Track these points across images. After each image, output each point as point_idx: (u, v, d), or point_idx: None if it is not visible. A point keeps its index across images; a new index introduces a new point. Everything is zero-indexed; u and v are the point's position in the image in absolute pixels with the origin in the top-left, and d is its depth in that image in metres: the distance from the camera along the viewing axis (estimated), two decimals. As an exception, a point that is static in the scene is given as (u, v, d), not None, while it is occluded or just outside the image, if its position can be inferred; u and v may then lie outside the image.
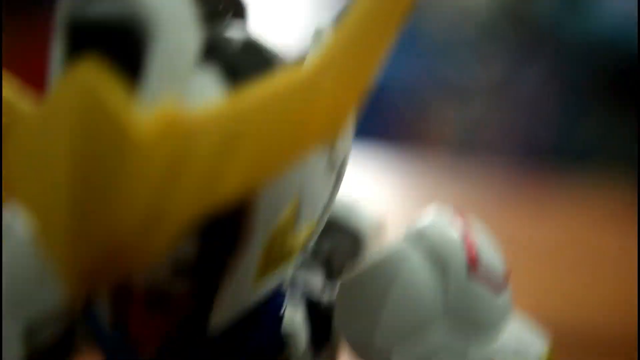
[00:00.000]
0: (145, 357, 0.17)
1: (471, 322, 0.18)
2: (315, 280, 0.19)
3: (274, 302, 0.18)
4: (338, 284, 0.19)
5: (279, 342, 0.18)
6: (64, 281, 0.15)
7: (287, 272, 0.18)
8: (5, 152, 0.15)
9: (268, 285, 0.18)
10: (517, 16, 0.91)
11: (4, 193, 0.16)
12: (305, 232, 0.18)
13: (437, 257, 0.18)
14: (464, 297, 0.18)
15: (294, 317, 0.18)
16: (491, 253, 0.19)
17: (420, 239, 0.18)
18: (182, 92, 0.15)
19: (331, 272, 0.20)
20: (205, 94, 0.15)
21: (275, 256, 0.17)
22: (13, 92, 0.16)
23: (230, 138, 0.14)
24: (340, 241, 0.20)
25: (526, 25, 0.93)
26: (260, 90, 0.14)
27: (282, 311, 0.18)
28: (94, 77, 0.14)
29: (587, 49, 0.93)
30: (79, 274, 0.14)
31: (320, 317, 0.19)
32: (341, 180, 0.18)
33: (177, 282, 0.16)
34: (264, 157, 0.14)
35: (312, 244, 0.18)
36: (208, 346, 0.18)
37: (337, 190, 0.18)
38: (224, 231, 0.16)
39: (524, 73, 0.92)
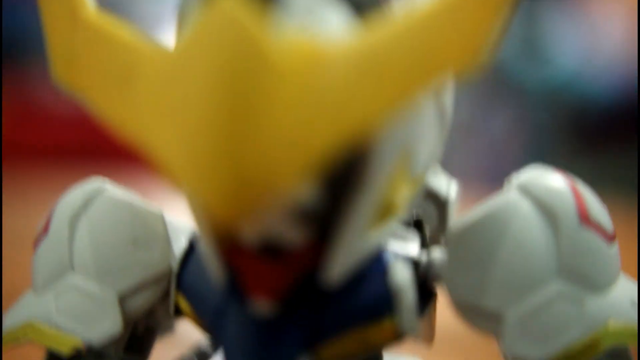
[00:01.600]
0: (257, 312, 0.17)
1: (585, 273, 0.18)
2: (411, 245, 0.19)
3: (380, 260, 0.18)
4: (439, 244, 0.19)
5: (387, 299, 0.18)
6: (209, 213, 0.15)
7: (393, 228, 0.18)
8: (133, 95, 0.15)
9: (379, 239, 0.17)
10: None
11: (126, 136, 0.15)
12: (414, 185, 0.18)
13: (547, 207, 0.18)
14: (577, 247, 0.18)
15: (402, 274, 0.18)
16: (598, 203, 0.19)
17: (527, 190, 0.18)
18: (317, 23, 0.15)
19: (423, 237, 0.20)
20: (337, 26, 0.15)
21: (387, 207, 0.17)
22: (132, 34, 0.16)
23: (365, 69, 0.14)
24: (425, 206, 0.20)
25: (489, 71, 0.96)
26: (392, 23, 0.15)
27: (388, 269, 0.18)
28: (236, 8, 0.14)
29: (548, 93, 0.96)
30: (225, 201, 0.14)
31: (420, 277, 0.19)
32: (445, 137, 0.19)
33: (295, 231, 0.16)
34: (393, 88, 0.14)
35: (416, 200, 0.18)
36: (320, 301, 0.18)
37: (441, 146, 0.18)
38: (346, 177, 0.16)
39: (488, 117, 0.94)
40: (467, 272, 0.18)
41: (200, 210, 0.16)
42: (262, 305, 0.17)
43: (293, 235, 0.16)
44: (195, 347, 0.21)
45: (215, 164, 0.14)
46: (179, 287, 0.19)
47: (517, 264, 0.18)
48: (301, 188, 0.15)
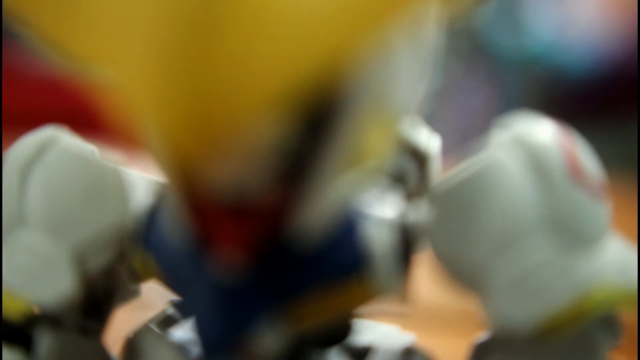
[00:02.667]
0: (226, 271, 0.16)
1: (573, 232, 0.17)
2: (392, 201, 0.18)
3: (353, 217, 0.17)
4: (422, 200, 0.18)
5: (360, 257, 0.17)
6: (171, 146, 0.13)
7: (369, 182, 0.17)
8: (79, 14, 0.14)
9: (352, 188, 0.16)
10: (455, 29, 0.92)
11: (72, 53, 0.14)
12: (389, 131, 0.17)
13: (536, 162, 0.17)
14: (566, 204, 0.17)
15: (378, 234, 0.17)
16: (589, 158, 0.18)
17: (515, 144, 0.17)
18: None
19: (405, 193, 0.18)
20: None
21: (361, 152, 0.16)
22: None
23: None
24: (405, 161, 0.19)
25: (464, 38, 0.95)
26: None
27: (364, 228, 0.17)
28: None
29: (522, 62, 0.95)
30: (186, 131, 0.13)
31: (402, 235, 0.17)
32: (425, 82, 0.17)
33: (263, 176, 0.15)
34: (368, 13, 0.13)
35: (392, 152, 0.17)
36: (290, 261, 0.16)
37: (421, 91, 0.17)
38: (316, 117, 0.15)
39: (462, 84, 0.94)
40: (452, 227, 0.17)
41: (163, 150, 0.15)
42: (231, 262, 0.16)
43: (263, 175, 0.15)
44: (161, 312, 0.20)
45: (174, 91, 0.13)
46: (145, 245, 0.18)
47: (503, 216, 0.17)
48: (267, 123, 0.13)
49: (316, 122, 0.15)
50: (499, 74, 0.95)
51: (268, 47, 0.13)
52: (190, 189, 0.15)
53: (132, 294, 0.20)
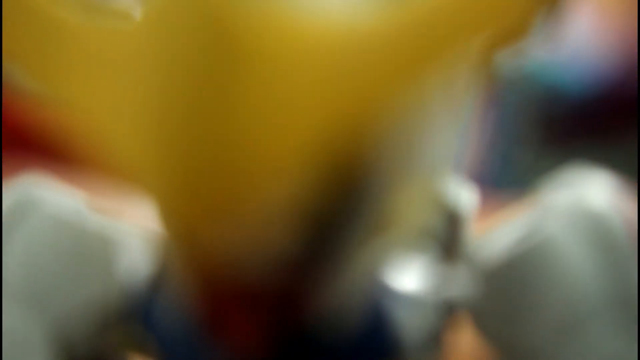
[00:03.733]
0: None
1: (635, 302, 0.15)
2: (424, 270, 0.16)
3: (384, 299, 0.15)
4: (454, 267, 0.16)
5: (393, 348, 0.15)
6: (171, 213, 0.11)
7: (401, 250, 0.15)
8: (61, 66, 0.12)
9: (384, 262, 0.14)
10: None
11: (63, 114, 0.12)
12: (423, 194, 0.14)
13: (597, 234, 0.15)
14: (633, 281, 0.15)
15: (411, 317, 0.15)
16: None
17: (572, 213, 0.15)
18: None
19: (435, 257, 0.16)
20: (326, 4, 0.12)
21: (390, 222, 0.14)
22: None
23: (347, 55, 0.11)
24: (435, 222, 0.17)
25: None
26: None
27: (394, 311, 0.15)
28: None
29: (515, 81, 0.94)
30: (186, 200, 0.11)
31: (436, 312, 0.15)
32: (459, 140, 0.15)
33: (285, 258, 0.13)
34: (385, 67, 0.11)
35: (426, 218, 0.15)
36: (316, 351, 0.14)
37: (455, 151, 0.15)
38: (340, 181, 0.12)
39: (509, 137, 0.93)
40: (506, 309, 0.15)
41: (166, 222, 0.13)
42: (245, 355, 0.13)
43: (281, 255, 0.13)
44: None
45: (176, 159, 0.11)
46: (142, 320, 0.16)
47: (564, 298, 0.15)
48: (285, 191, 0.11)
49: (342, 188, 0.13)
50: (492, 93, 0.94)
51: (283, 107, 0.11)
52: (197, 262, 0.13)
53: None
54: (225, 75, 0.11)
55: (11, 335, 0.15)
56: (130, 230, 0.17)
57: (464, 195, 0.17)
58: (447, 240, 0.17)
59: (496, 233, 0.16)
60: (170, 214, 0.12)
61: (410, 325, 0.15)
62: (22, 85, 0.13)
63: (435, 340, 0.15)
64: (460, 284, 0.16)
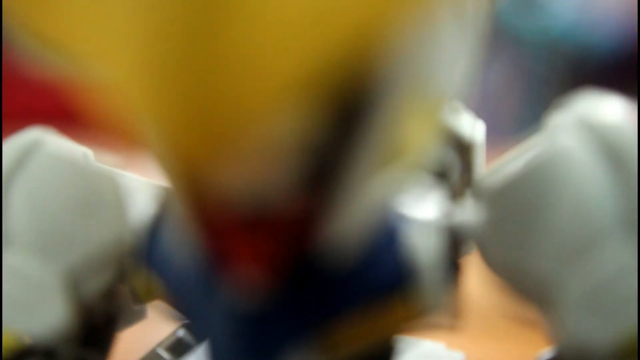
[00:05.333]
0: (246, 295, 0.13)
1: None
2: (434, 200, 0.15)
3: (393, 224, 0.14)
4: (467, 196, 0.15)
5: (404, 271, 0.14)
6: (170, 143, 0.11)
7: (409, 180, 0.14)
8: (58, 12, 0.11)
9: (390, 190, 0.13)
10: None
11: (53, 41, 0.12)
12: (432, 121, 0.14)
13: (608, 148, 0.14)
14: None
15: (422, 239, 0.14)
16: None
17: (581, 127, 0.14)
18: None
19: (448, 189, 0.16)
20: None
21: (398, 148, 0.13)
22: None
23: None
24: (446, 152, 0.16)
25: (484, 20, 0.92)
26: None
27: (406, 236, 0.14)
28: None
29: (545, 44, 0.92)
30: (185, 129, 0.10)
31: (449, 240, 0.15)
32: (472, 62, 0.14)
33: (290, 171, 0.12)
34: None
35: (435, 143, 0.14)
36: (321, 280, 0.14)
37: (466, 73, 0.14)
38: (344, 108, 0.12)
39: (484, 69, 0.91)
40: (510, 232, 0.14)
41: (165, 154, 0.12)
42: (251, 284, 0.13)
43: (283, 184, 0.12)
44: (171, 335, 0.17)
45: (173, 86, 0.10)
46: (148, 262, 0.15)
47: (573, 216, 0.14)
48: (286, 117, 0.11)
49: (346, 113, 0.12)
50: (521, 57, 0.92)
51: (282, 27, 0.10)
52: (199, 197, 0.12)
53: (136, 316, 0.17)
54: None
55: (28, 280, 0.15)
56: (135, 176, 0.16)
57: (476, 126, 0.17)
58: (458, 169, 0.16)
59: (506, 160, 0.15)
60: (169, 148, 0.12)
61: (424, 253, 0.14)
62: (23, 44, 0.13)
63: (448, 266, 0.15)
64: (470, 213, 0.15)
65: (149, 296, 0.16)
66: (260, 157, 0.12)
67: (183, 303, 0.15)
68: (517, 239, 0.14)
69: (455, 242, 0.15)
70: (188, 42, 0.10)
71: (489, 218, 0.15)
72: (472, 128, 0.17)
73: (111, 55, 0.11)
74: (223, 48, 0.10)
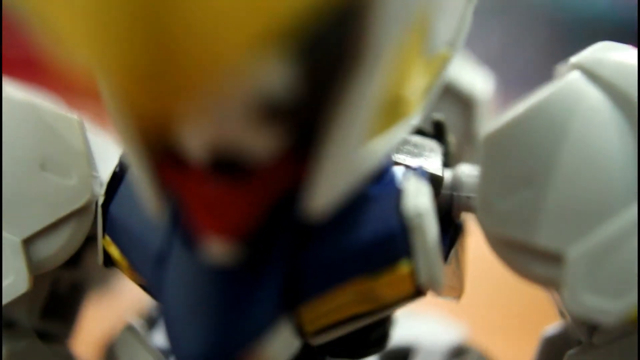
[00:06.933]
0: (214, 259, 0.12)
1: None
2: (430, 159, 0.14)
3: (387, 180, 0.13)
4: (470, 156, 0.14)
5: (399, 235, 0.12)
6: (126, 103, 0.09)
7: (404, 135, 0.13)
8: None
9: (383, 149, 0.12)
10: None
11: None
12: (431, 71, 0.12)
13: (622, 94, 0.13)
14: None
15: (420, 198, 0.12)
16: None
17: (592, 73, 0.13)
18: None
19: (446, 148, 0.14)
20: None
21: (394, 102, 0.12)
22: None
23: None
24: (448, 108, 0.15)
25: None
26: None
27: (400, 192, 0.12)
28: None
29: (580, 24, 0.91)
30: (145, 82, 0.09)
31: (443, 203, 0.13)
32: (472, 5, 0.13)
33: (260, 137, 0.11)
34: None
35: (434, 94, 0.13)
36: (303, 241, 0.12)
37: (468, 18, 0.13)
38: (332, 55, 0.10)
39: (519, 48, 0.90)
40: (509, 193, 0.13)
41: (118, 105, 0.11)
42: (219, 248, 0.11)
43: (257, 142, 0.11)
44: (143, 310, 0.16)
45: (126, 27, 0.09)
46: (106, 226, 0.14)
47: (581, 179, 0.12)
48: (261, 67, 0.09)
49: (328, 61, 0.10)
50: (524, 20, 0.91)
51: None
52: (157, 152, 0.11)
53: (102, 284, 0.16)
54: None
55: None
56: (101, 133, 0.15)
57: (482, 82, 0.15)
58: (461, 125, 0.15)
59: (511, 110, 0.13)
60: (127, 106, 0.10)
61: (424, 216, 0.12)
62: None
63: (447, 228, 0.13)
64: (471, 170, 0.14)
65: (121, 260, 0.14)
66: (224, 113, 0.10)
67: (144, 273, 0.13)
68: (518, 200, 0.13)
69: (455, 202, 0.13)
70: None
71: (487, 172, 0.13)
72: (476, 83, 0.15)
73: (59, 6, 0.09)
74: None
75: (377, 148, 0.12)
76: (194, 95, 0.09)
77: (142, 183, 0.12)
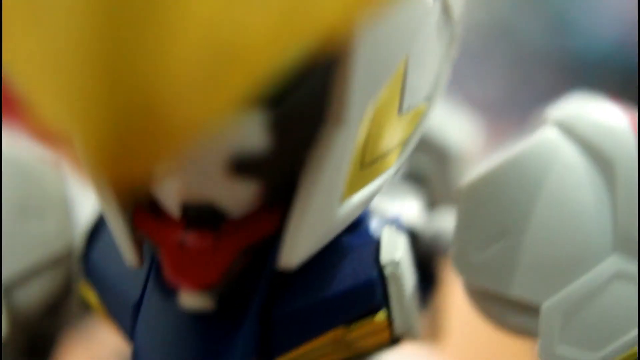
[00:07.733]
0: (188, 308, 0.12)
1: None
2: (410, 207, 0.14)
3: (363, 230, 0.13)
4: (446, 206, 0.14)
5: (376, 285, 0.12)
6: (94, 164, 0.09)
7: (379, 189, 0.13)
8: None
9: (359, 202, 0.12)
10: (508, 37, 0.89)
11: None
12: (409, 124, 0.12)
13: (598, 151, 0.13)
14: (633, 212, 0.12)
15: (395, 250, 0.12)
16: None
17: (569, 129, 0.13)
18: None
19: (427, 196, 0.14)
20: None
21: (371, 156, 0.12)
22: None
23: None
24: (422, 159, 0.15)
25: (517, 45, 0.92)
26: None
27: (376, 243, 0.13)
28: None
29: (581, 66, 0.91)
30: (109, 155, 0.09)
31: (421, 253, 0.13)
32: (452, 58, 0.13)
33: (236, 189, 0.11)
34: None
35: (411, 147, 0.13)
36: (278, 290, 0.12)
37: (447, 70, 0.13)
38: (305, 108, 0.10)
39: (520, 92, 0.90)
40: (485, 246, 0.13)
41: (89, 166, 0.11)
42: (192, 297, 0.12)
43: (231, 196, 0.11)
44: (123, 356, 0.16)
45: (90, 88, 0.09)
46: (85, 273, 0.14)
47: (558, 232, 0.12)
48: (233, 129, 0.09)
49: (296, 122, 0.10)
50: (559, 80, 0.90)
51: (225, 21, 0.09)
52: (130, 204, 0.11)
53: (79, 328, 0.16)
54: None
55: None
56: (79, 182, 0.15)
57: (458, 133, 0.15)
58: (437, 179, 0.15)
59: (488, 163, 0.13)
60: (101, 172, 0.10)
61: (401, 266, 0.12)
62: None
63: (426, 272, 0.13)
64: (448, 220, 0.13)
65: (98, 307, 0.14)
66: (198, 172, 0.10)
67: (121, 319, 0.13)
68: (494, 250, 0.13)
69: (433, 252, 0.13)
70: (111, 43, 0.09)
71: (462, 223, 0.13)
72: (452, 136, 0.15)
73: (39, 69, 0.10)
74: (151, 50, 0.09)
75: (354, 202, 0.12)
76: (166, 159, 0.09)
77: (116, 231, 0.12)
